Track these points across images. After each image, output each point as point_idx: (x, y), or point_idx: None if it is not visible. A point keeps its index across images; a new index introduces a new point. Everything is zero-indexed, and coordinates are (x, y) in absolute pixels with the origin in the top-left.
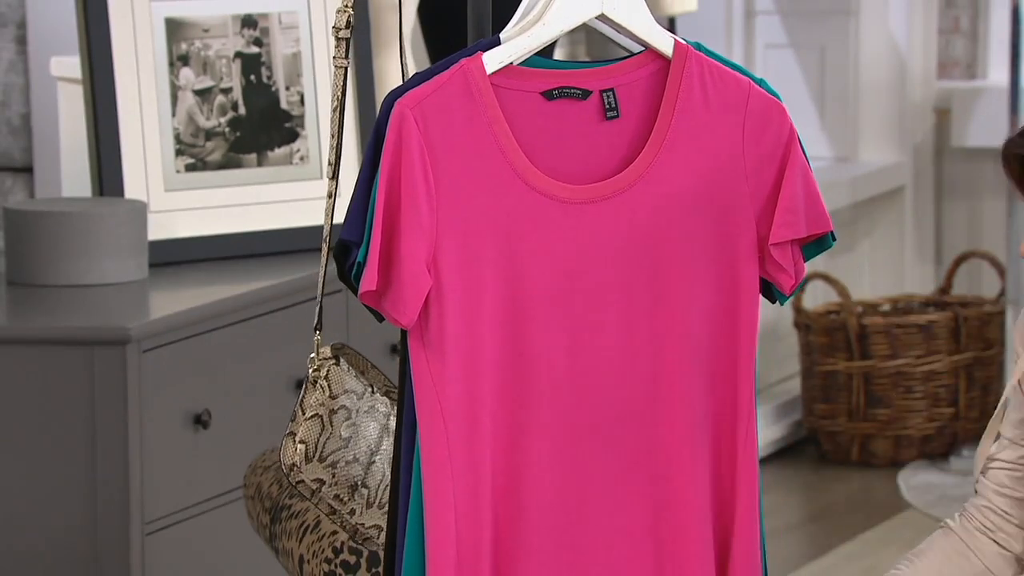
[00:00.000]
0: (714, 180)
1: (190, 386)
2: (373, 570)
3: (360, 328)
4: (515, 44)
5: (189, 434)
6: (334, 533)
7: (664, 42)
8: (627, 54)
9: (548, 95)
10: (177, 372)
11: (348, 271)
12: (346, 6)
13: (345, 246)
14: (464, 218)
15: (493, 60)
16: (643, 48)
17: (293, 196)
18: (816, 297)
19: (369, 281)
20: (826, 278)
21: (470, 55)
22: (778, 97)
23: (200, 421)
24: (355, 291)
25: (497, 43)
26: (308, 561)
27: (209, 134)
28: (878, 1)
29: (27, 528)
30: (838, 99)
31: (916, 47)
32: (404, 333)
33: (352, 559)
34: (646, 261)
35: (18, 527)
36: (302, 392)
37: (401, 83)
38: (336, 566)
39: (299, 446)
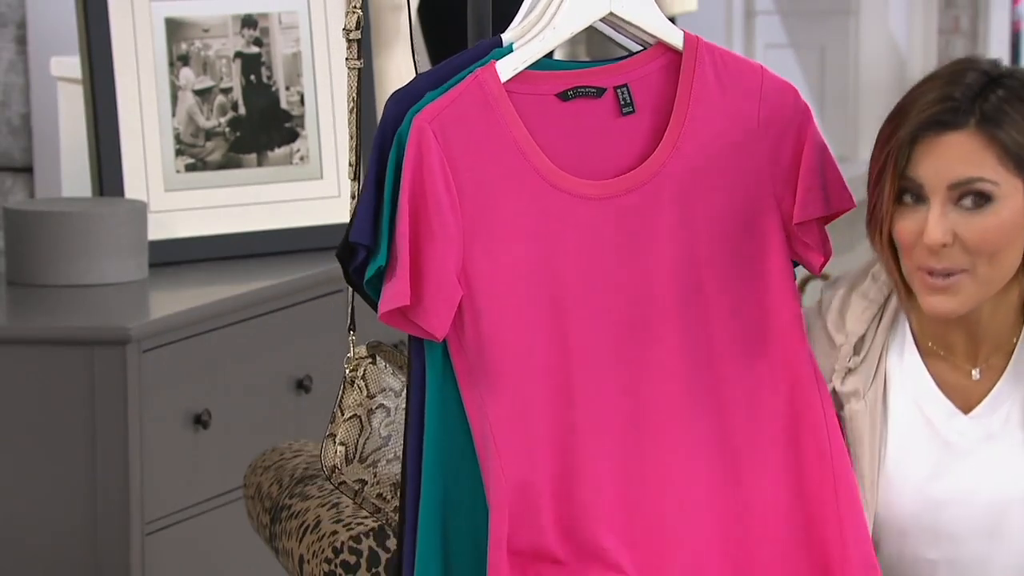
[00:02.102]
0: (735, 164)
1: (190, 386)
2: (373, 570)
3: (366, 325)
4: (527, 50)
5: (189, 434)
6: (334, 533)
7: (674, 35)
8: (628, 52)
9: (563, 96)
10: (177, 372)
11: (355, 272)
12: (354, 7)
13: (351, 248)
14: (491, 225)
15: (507, 68)
16: (644, 46)
17: (293, 196)
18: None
19: (401, 296)
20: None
21: (477, 57)
22: None
23: (200, 421)
24: (365, 294)
25: (499, 43)
26: (308, 561)
27: (209, 134)
28: (878, 1)
29: (27, 528)
30: (838, 99)
31: (916, 47)
32: (412, 338)
33: (352, 559)
34: (679, 249)
35: (18, 527)
36: (340, 393)
37: (407, 83)
38: (336, 566)
39: (339, 448)
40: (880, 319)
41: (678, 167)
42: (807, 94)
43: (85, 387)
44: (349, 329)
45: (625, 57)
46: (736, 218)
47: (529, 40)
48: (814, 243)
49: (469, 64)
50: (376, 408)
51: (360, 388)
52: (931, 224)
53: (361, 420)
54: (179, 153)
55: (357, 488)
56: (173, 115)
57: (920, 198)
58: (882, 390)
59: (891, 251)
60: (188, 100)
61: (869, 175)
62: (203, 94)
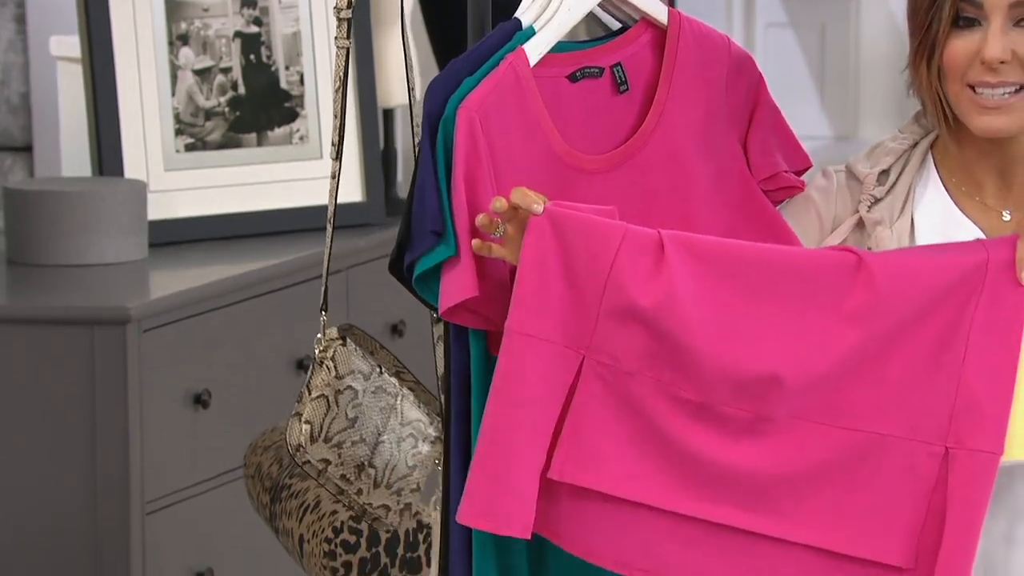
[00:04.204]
0: (709, 131)
1: (190, 366)
2: (373, 549)
3: (360, 307)
4: (548, 33)
5: (189, 414)
6: (334, 513)
7: (660, 11)
8: (613, 30)
9: (572, 78)
10: (177, 352)
11: (406, 265)
12: None
13: (408, 237)
14: None
15: (533, 52)
16: (625, 23)
17: (293, 176)
18: None
19: (468, 287)
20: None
21: (503, 40)
22: None
23: (200, 401)
24: (410, 284)
25: (519, 25)
26: (308, 540)
27: (209, 114)
28: None
29: (27, 508)
30: (838, 78)
31: None
32: (452, 325)
33: (352, 538)
34: (672, 214)
35: (18, 507)
36: (309, 372)
37: (440, 71)
38: (336, 545)
39: (304, 426)
40: (907, 162)
41: (661, 140)
42: (807, 73)
43: (85, 367)
44: (321, 309)
45: (617, 34)
46: (717, 182)
47: (547, 22)
48: (788, 183)
49: (497, 48)
50: (344, 389)
51: (329, 368)
52: (991, 41)
53: (328, 400)
54: (179, 133)
55: (321, 468)
56: (173, 95)
57: (973, 21)
58: (909, 226)
59: (937, 81)
60: (188, 80)
61: (914, 8)
62: (203, 74)
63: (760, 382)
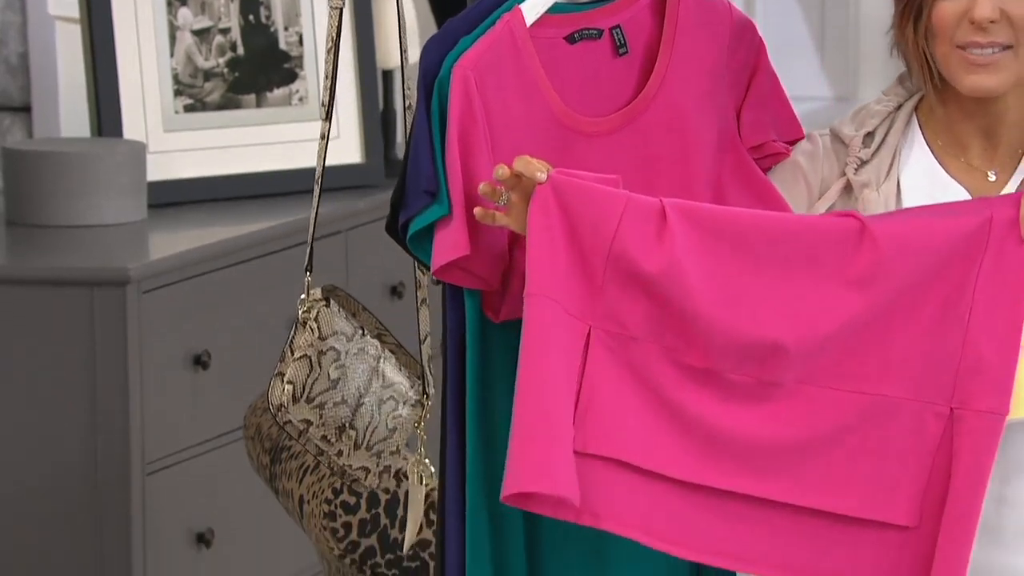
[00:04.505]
0: (710, 96)
1: (190, 327)
2: (373, 510)
3: (359, 269)
4: None
5: (189, 375)
6: (334, 474)
7: None
8: None
9: (570, 39)
10: (177, 313)
11: (400, 224)
12: None
13: (403, 196)
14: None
15: (530, 12)
16: None
17: (292, 137)
18: None
19: (460, 246)
20: None
21: (502, 1)
22: None
23: (200, 362)
24: (404, 243)
25: None
26: (308, 501)
27: (208, 75)
28: None
29: (28, 469)
30: (838, 38)
31: None
32: (447, 285)
33: (352, 500)
34: (674, 176)
35: (19, 468)
36: (292, 333)
37: (438, 30)
38: (336, 506)
39: (287, 386)
40: (892, 124)
41: (663, 103)
42: (807, 33)
43: (85, 328)
44: (306, 270)
45: None
46: (716, 144)
47: None
48: (775, 151)
49: (495, 8)
50: (327, 350)
51: (312, 329)
52: (981, 1)
53: (311, 360)
54: (177, 94)
55: (302, 428)
56: (171, 55)
57: None
58: (895, 188)
59: (924, 42)
60: (186, 40)
61: None
62: (201, 34)
63: (764, 348)
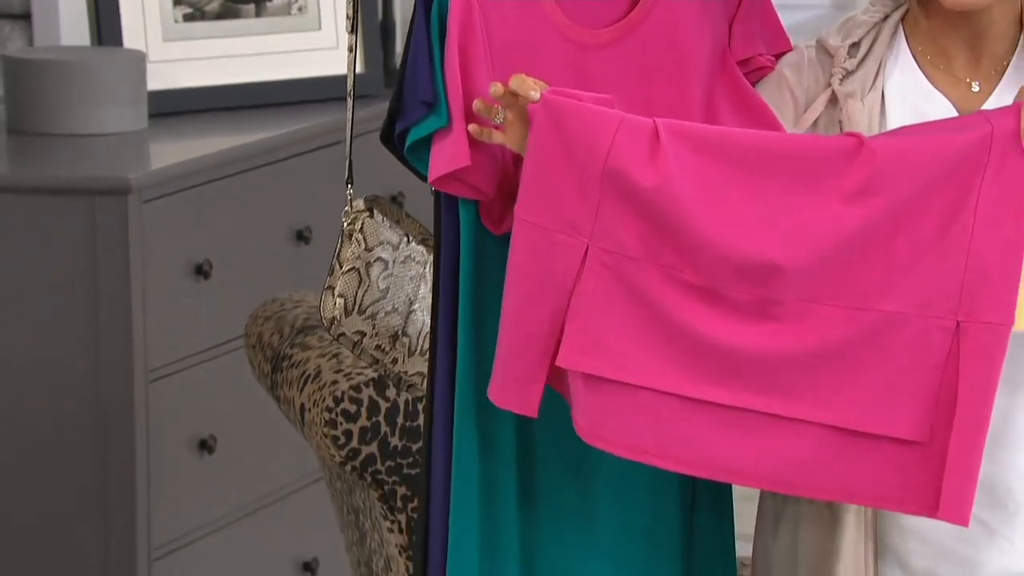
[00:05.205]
0: (706, 7)
1: (191, 236)
2: (373, 419)
3: (359, 178)
4: None
5: (191, 284)
6: (335, 383)
7: None
8: None
9: None
10: (178, 222)
11: (396, 133)
12: None
13: (401, 107)
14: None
15: None
16: None
17: (291, 47)
18: None
19: (460, 157)
20: None
21: None
22: None
23: (201, 271)
24: (402, 154)
25: None
26: (309, 410)
27: None
28: None
29: (31, 379)
30: None
31: None
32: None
33: (352, 408)
34: (671, 88)
35: (22, 378)
36: (338, 246)
37: None
38: (336, 415)
39: (338, 300)
40: (878, 35)
41: (660, 16)
42: None
43: (87, 237)
44: (347, 183)
45: None
46: (712, 56)
47: None
48: (761, 64)
49: None
50: (374, 261)
51: (358, 241)
52: None
53: (359, 272)
54: (177, 3)
55: (356, 340)
56: None
57: None
58: (880, 98)
59: None
60: None
61: None
62: None
63: (760, 267)
